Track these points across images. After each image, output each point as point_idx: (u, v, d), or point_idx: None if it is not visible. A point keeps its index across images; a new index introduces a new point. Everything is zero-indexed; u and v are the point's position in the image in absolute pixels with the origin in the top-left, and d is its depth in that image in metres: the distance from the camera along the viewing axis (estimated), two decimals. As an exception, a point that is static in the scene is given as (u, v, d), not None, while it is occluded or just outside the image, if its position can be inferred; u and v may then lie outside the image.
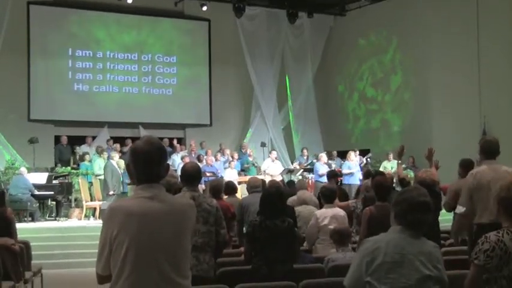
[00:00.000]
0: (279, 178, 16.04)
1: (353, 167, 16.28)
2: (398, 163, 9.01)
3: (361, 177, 14.30)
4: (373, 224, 6.19)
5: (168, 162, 3.19)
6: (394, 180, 10.00)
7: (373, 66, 20.96)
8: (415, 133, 18.33)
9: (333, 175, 11.55)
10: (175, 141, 18.93)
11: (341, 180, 16.06)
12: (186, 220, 3.07)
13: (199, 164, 15.34)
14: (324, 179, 15.57)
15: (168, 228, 2.96)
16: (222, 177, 16.01)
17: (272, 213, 5.68)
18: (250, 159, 18.44)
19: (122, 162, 14.91)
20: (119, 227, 2.89)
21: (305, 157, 18.89)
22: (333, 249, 6.73)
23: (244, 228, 7.42)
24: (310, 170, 17.46)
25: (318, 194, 8.60)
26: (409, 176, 11.42)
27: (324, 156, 17.00)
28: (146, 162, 3.00)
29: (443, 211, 7.53)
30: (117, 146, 17.25)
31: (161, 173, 3.05)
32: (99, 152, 16.34)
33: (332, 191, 7.91)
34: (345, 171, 16.26)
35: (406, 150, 9.21)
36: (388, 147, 18.65)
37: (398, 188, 10.09)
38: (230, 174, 16.55)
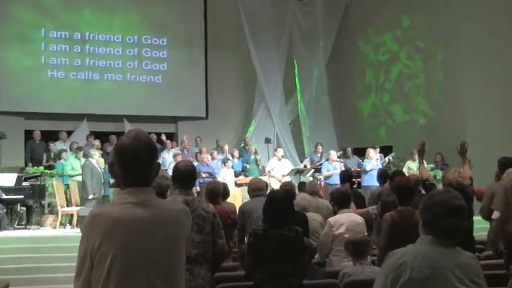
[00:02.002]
0: (285, 180, 15.96)
1: (373, 167, 16.20)
2: (420, 163, 8.99)
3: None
4: (394, 232, 6.19)
5: (158, 161, 3.17)
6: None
7: (395, 50, 20.92)
8: (444, 127, 18.27)
9: (347, 175, 11.47)
10: (163, 137, 18.85)
11: (359, 182, 16.04)
12: (180, 229, 3.05)
13: (196, 163, 15.55)
14: (334, 181, 15.59)
15: (160, 238, 2.94)
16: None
17: (278, 220, 5.67)
18: (254, 157, 18.37)
19: (102, 161, 14.89)
20: (102, 236, 2.86)
21: (319, 155, 18.85)
22: (350, 262, 6.71)
23: (245, 238, 7.42)
24: (319, 171, 17.42)
25: (330, 199, 8.58)
26: (436, 177, 11.39)
27: (333, 154, 16.95)
28: (134, 162, 2.98)
29: (477, 218, 7.52)
30: (98, 142, 17.25)
31: (151, 175, 3.04)
32: (74, 149, 16.30)
33: (345, 194, 7.90)
34: (368, 167, 16.12)
35: (430, 146, 9.15)
36: (413, 144, 18.62)
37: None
38: (225, 176, 16.54)
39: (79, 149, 16.06)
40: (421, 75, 20.03)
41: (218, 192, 7.77)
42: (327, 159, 17.30)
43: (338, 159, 16.97)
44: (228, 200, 9.53)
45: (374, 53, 21.68)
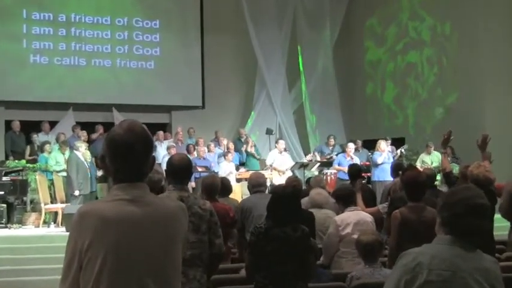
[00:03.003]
0: (288, 174, 15.95)
1: (384, 160, 16.14)
2: (442, 153, 8.94)
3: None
4: (405, 230, 6.21)
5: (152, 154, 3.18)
6: (438, 178, 9.96)
7: (410, 32, 20.88)
8: (461, 120, 18.24)
9: (356, 171, 11.41)
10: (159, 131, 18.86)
11: (368, 177, 16.05)
12: (177, 227, 3.05)
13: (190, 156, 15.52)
14: (345, 176, 15.56)
15: (155, 237, 2.95)
16: (216, 172, 16.02)
17: (282, 218, 5.68)
18: (251, 150, 18.33)
19: (89, 154, 14.88)
20: (92, 236, 2.85)
21: (330, 147, 18.83)
22: (359, 265, 6.72)
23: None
24: (330, 164, 17.39)
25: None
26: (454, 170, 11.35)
27: (351, 147, 16.91)
28: (127, 155, 2.98)
29: (497, 216, 7.51)
30: (85, 133, 17.24)
31: (146, 169, 3.04)
32: (60, 141, 16.30)
33: (348, 191, 7.92)
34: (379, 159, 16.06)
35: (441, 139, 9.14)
36: (428, 136, 18.64)
37: (443, 188, 10.09)
38: (226, 169, 16.55)
39: (64, 143, 15.99)
40: (436, 62, 19.99)
41: (216, 188, 7.75)
42: (340, 152, 17.25)
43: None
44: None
45: (386, 36, 21.65)
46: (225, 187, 9.12)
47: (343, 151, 17.27)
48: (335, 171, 16.83)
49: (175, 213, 3.08)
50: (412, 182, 6.67)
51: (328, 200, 8.84)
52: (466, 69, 18.86)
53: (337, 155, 17.73)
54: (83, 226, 2.88)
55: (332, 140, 18.99)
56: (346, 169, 15.54)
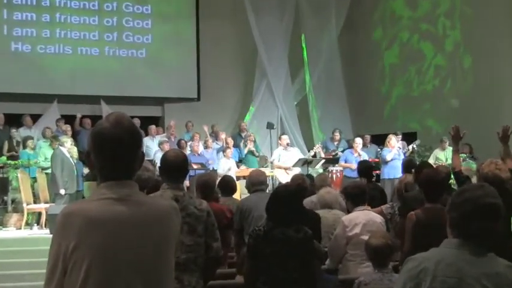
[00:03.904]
0: (295, 171, 15.89)
1: (394, 156, 16.11)
2: (453, 151, 8.91)
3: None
4: (420, 234, 6.18)
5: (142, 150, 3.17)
6: (452, 176, 9.91)
7: (421, 19, 20.89)
8: (477, 113, 18.23)
9: (366, 168, 11.42)
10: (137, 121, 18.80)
11: (377, 175, 16.04)
12: (169, 228, 3.05)
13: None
14: (353, 173, 15.54)
15: (144, 239, 2.95)
16: (214, 170, 16.01)
17: (283, 219, 5.67)
18: (250, 146, 18.31)
19: (75, 150, 14.87)
20: (77, 238, 2.85)
21: (336, 143, 18.81)
22: (368, 268, 6.71)
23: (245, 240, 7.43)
24: (336, 161, 17.38)
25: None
26: (470, 169, 11.31)
27: (357, 142, 16.88)
28: (114, 150, 2.98)
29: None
30: (68, 127, 17.21)
31: (134, 166, 3.05)
32: (49, 136, 16.28)
33: (360, 189, 7.89)
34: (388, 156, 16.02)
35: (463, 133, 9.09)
36: (440, 131, 18.62)
37: (456, 187, 10.09)
38: (226, 166, 16.55)
39: (55, 137, 15.94)
40: (451, 50, 19.98)
41: (212, 187, 7.75)
42: (347, 148, 17.21)
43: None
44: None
45: (396, 23, 21.65)
46: (228, 185, 9.14)
47: (350, 147, 17.24)
48: (341, 168, 16.82)
49: (167, 213, 3.08)
50: (430, 181, 6.63)
51: (338, 199, 8.84)
52: (482, 57, 18.84)
53: (343, 151, 17.71)
54: (67, 228, 2.88)
55: (337, 134, 18.97)
56: (352, 166, 15.66)
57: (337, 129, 19.23)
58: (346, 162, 16.58)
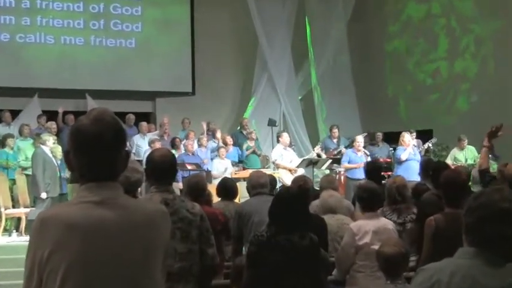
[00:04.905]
0: (301, 173, 15.86)
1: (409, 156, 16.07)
2: (484, 147, 8.85)
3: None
4: (440, 242, 6.15)
5: (129, 148, 3.14)
6: (473, 174, 9.87)
7: (439, 5, 20.86)
8: (496, 109, 18.19)
9: (375, 169, 11.38)
10: (129, 117, 18.84)
11: (389, 176, 16.01)
12: (156, 234, 3.04)
13: (175, 151, 15.50)
14: (358, 175, 15.54)
15: (129, 247, 2.94)
16: (208, 171, 16.02)
17: (287, 224, 5.64)
18: (251, 144, 18.31)
19: (59, 150, 14.84)
20: (54, 245, 2.85)
21: (335, 140, 18.78)
22: (379, 280, 6.68)
23: (244, 248, 7.40)
24: (339, 161, 17.34)
25: (353, 199, 8.54)
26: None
27: (359, 140, 16.82)
28: (95, 149, 2.97)
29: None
30: (52, 124, 17.20)
31: (118, 166, 3.04)
32: (26, 134, 16.26)
33: (374, 193, 7.85)
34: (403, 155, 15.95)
35: (479, 133, 9.03)
36: (460, 128, 18.60)
37: (477, 188, 10.05)
38: (219, 167, 16.54)
39: (38, 135, 15.94)
40: (471, 38, 19.97)
41: (202, 189, 7.75)
42: (348, 146, 17.17)
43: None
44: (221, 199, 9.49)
45: (411, 7, 21.63)
46: (229, 189, 9.13)
47: (352, 145, 17.14)
48: (343, 170, 16.76)
49: (154, 218, 3.08)
50: (451, 184, 6.60)
51: (342, 203, 8.81)
52: (504, 50, 18.85)
53: (346, 147, 17.62)
54: (43, 234, 2.89)
55: (336, 130, 18.79)
56: (361, 164, 15.68)
57: (334, 126, 19.07)
58: (350, 163, 16.51)
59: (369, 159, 16.25)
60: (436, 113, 20.61)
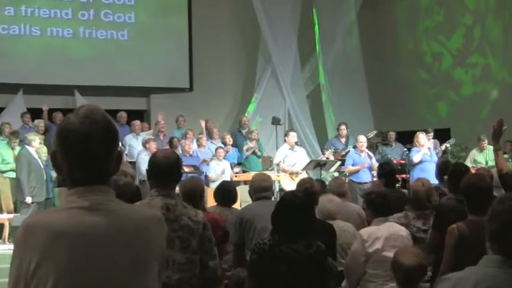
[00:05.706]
0: (302, 176, 15.85)
1: (424, 158, 16.06)
2: (495, 150, 8.88)
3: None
4: (463, 252, 6.15)
5: (121, 149, 3.15)
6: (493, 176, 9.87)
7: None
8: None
9: (388, 172, 11.35)
10: (121, 114, 18.87)
11: (403, 180, 16.00)
12: (149, 242, 3.04)
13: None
14: (362, 178, 15.55)
15: (120, 256, 2.93)
16: (206, 175, 16.03)
17: (292, 231, 5.66)
18: (251, 145, 18.28)
19: (45, 150, 14.84)
20: (41, 254, 2.84)
21: (343, 140, 18.73)
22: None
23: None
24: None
25: (363, 204, 8.53)
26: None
27: (361, 140, 16.76)
28: (84, 150, 2.95)
29: None
30: (40, 123, 17.21)
31: (109, 168, 3.03)
32: (7, 134, 16.27)
33: (385, 198, 7.86)
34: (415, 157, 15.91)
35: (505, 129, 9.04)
36: (481, 127, 18.61)
37: (498, 192, 10.05)
38: (217, 169, 16.56)
39: (14, 134, 15.94)
40: (495, 30, 19.97)
41: (199, 194, 7.73)
42: (354, 146, 17.16)
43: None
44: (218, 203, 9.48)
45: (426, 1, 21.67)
46: (228, 194, 9.12)
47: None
48: (347, 173, 16.73)
49: (148, 224, 3.07)
50: (473, 189, 6.56)
51: (341, 209, 8.81)
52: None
53: (354, 147, 17.57)
54: (29, 242, 2.87)
55: (344, 129, 18.74)
56: (365, 164, 15.73)
57: (342, 124, 18.97)
58: (354, 165, 16.46)
59: (373, 160, 16.27)
60: (455, 111, 20.59)
